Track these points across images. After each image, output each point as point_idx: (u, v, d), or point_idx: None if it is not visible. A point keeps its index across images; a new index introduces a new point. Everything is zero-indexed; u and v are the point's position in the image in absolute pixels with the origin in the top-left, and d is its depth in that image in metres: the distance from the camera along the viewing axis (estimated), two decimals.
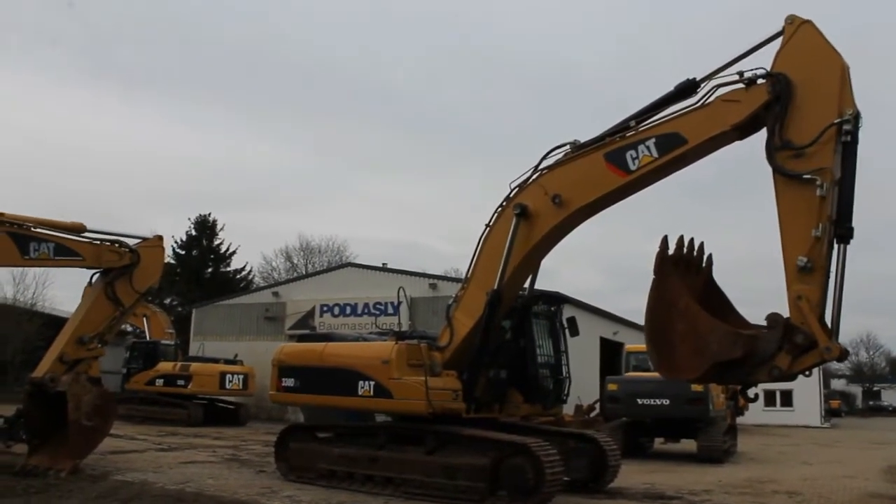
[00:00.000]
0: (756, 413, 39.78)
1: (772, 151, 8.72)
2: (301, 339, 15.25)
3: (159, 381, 28.67)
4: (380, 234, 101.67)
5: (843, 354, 8.23)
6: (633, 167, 10.19)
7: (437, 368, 11.89)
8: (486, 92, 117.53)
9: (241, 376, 29.08)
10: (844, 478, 16.21)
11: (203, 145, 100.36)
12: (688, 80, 9.86)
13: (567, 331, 13.77)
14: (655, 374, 21.45)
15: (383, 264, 36.84)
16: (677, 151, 9.80)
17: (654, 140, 10.00)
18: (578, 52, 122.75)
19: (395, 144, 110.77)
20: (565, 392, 13.45)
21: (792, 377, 8.75)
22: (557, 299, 13.67)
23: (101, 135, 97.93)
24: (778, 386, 50.43)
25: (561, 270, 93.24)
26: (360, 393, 12.13)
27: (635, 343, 34.44)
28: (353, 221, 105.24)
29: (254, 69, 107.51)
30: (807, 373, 8.69)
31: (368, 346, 13.42)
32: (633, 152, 10.17)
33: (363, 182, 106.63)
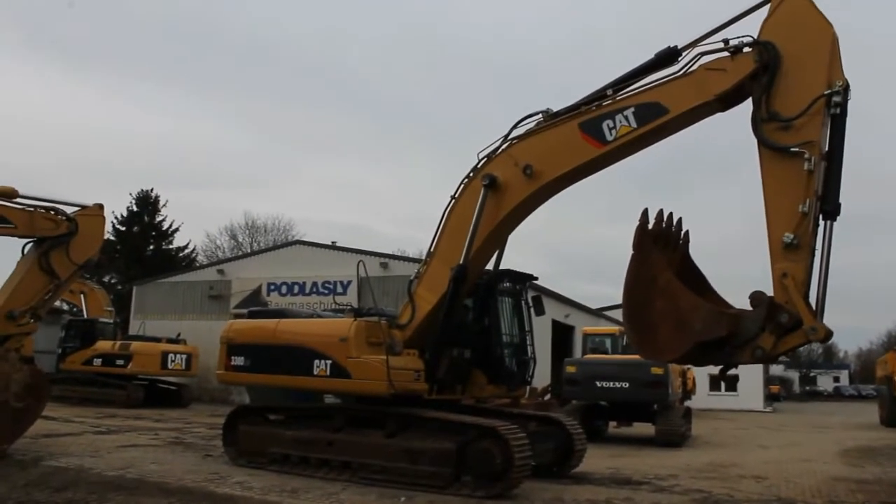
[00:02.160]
0: (702, 397, 40.22)
1: (758, 123, 8.32)
2: (252, 315, 14.36)
3: (97, 361, 27.40)
4: (326, 215, 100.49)
5: (828, 335, 7.84)
6: (609, 138, 9.69)
7: (398, 347, 11.26)
8: (440, 79, 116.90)
9: (183, 356, 28.07)
10: (803, 461, 16.09)
11: (146, 122, 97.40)
12: (668, 47, 9.37)
13: (532, 310, 13.25)
14: (614, 357, 21.49)
15: (332, 243, 35.92)
16: (658, 122, 9.33)
17: (633, 110, 9.51)
18: (533, 42, 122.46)
19: (345, 127, 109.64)
20: (530, 373, 12.92)
21: (775, 358, 8.38)
22: (523, 277, 13.10)
23: (36, 108, 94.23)
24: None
25: (508, 256, 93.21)
26: (315, 372, 11.44)
27: (586, 325, 34.44)
28: (299, 202, 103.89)
29: (201, 44, 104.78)
30: (789, 354, 8.34)
31: (325, 323, 12.68)
32: (610, 122, 9.68)
33: (310, 163, 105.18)
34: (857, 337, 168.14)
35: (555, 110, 10.46)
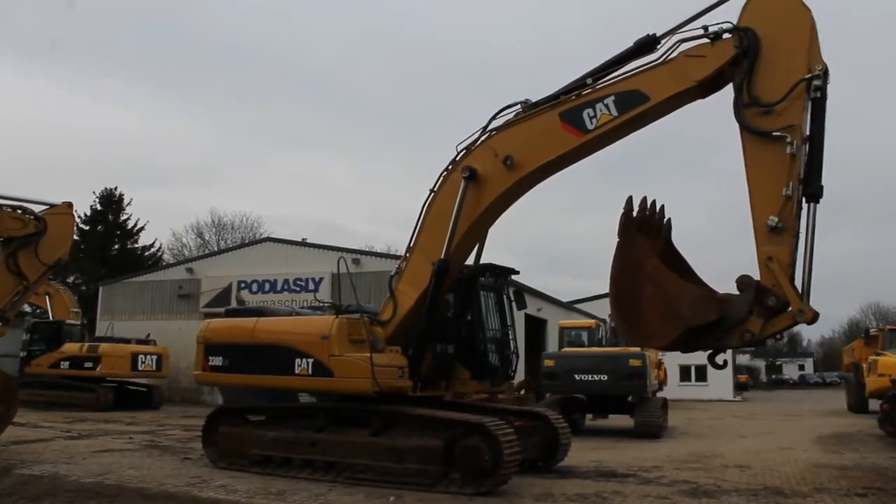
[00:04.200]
0: (672, 388, 40.54)
1: (740, 108, 8.38)
2: (228, 313, 14.09)
3: (65, 364, 26.77)
4: (292, 212, 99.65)
5: (815, 317, 7.84)
6: (590, 126, 9.69)
7: (381, 344, 11.09)
8: (405, 76, 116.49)
9: (154, 357, 27.60)
10: (783, 450, 16.20)
11: (109, 119, 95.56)
12: (647, 35, 9.42)
13: (514, 304, 13.16)
14: (592, 350, 21.48)
15: (303, 239, 35.53)
16: (638, 109, 9.36)
17: (613, 98, 9.52)
18: (501, 38, 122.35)
19: (310, 124, 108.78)
20: (513, 368, 12.83)
21: (763, 342, 8.37)
22: (505, 271, 12.99)
23: None
24: (693, 361, 51.77)
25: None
26: (296, 371, 11.21)
27: (560, 319, 34.47)
28: (265, 199, 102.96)
29: (165, 41, 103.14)
30: (778, 337, 8.32)
31: (305, 321, 12.40)
32: (590, 111, 9.68)
33: (276, 160, 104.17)
34: (820, 325, 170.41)
35: (534, 101, 10.39)
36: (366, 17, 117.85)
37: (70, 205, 13.53)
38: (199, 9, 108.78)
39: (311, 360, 11.10)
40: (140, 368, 27.04)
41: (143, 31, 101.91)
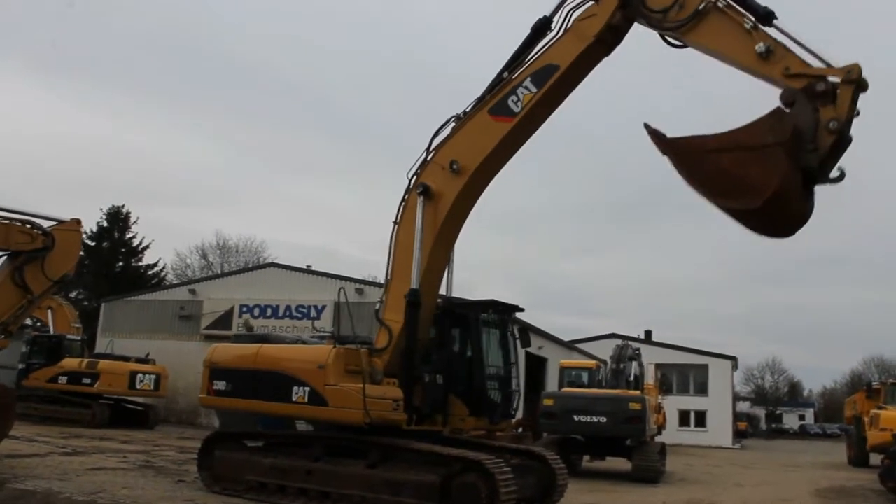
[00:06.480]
0: (671, 432, 40.32)
1: (660, 23, 9.16)
2: (236, 339, 14.11)
3: (63, 379, 26.61)
4: (295, 237, 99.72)
5: (860, 69, 7.86)
6: (517, 109, 10.66)
7: (378, 376, 11.09)
8: (416, 106, 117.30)
9: (152, 376, 27.37)
10: (781, 501, 16.08)
11: (118, 137, 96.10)
12: (540, 18, 10.52)
13: (518, 341, 13.12)
14: (592, 391, 21.35)
15: (307, 266, 35.59)
16: (553, 78, 10.27)
17: (530, 79, 10.54)
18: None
19: (319, 150, 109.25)
20: (514, 406, 12.76)
21: (851, 121, 7.95)
22: (510, 308, 12.99)
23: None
24: (693, 406, 51.57)
25: (477, 285, 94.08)
26: (294, 399, 11.19)
27: (560, 358, 34.40)
28: (269, 223, 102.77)
29: (177, 61, 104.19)
30: (857, 112, 8.02)
31: (304, 350, 12.40)
32: (514, 97, 10.69)
33: (282, 185, 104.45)
34: (822, 375, 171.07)
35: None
36: (380, 46, 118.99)
37: (78, 221, 13.63)
38: (217, 31, 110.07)
39: (307, 389, 11.09)
40: (138, 387, 26.83)
41: (158, 50, 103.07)
